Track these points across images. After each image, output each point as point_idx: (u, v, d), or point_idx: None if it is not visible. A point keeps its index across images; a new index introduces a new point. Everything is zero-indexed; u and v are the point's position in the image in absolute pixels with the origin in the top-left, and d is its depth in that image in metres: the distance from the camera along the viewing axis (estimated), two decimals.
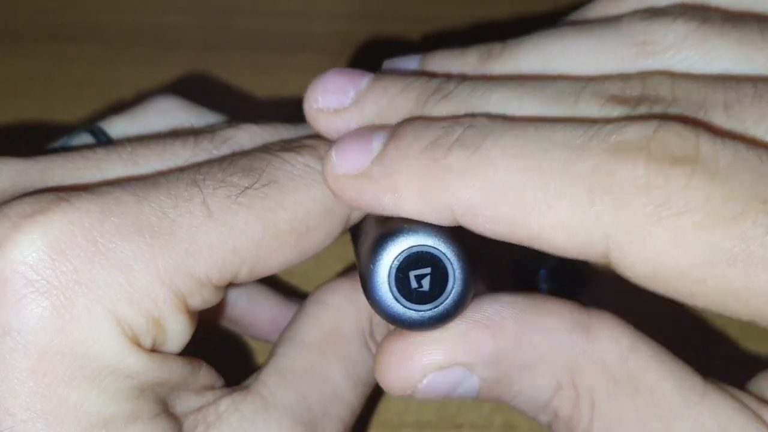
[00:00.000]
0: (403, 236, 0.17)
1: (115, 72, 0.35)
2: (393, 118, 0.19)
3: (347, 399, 0.20)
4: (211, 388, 0.19)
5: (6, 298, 0.16)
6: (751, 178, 0.15)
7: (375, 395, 0.22)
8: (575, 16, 0.22)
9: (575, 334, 0.17)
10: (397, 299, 0.17)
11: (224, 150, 0.20)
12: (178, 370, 0.18)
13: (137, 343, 0.17)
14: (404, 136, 0.18)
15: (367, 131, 0.19)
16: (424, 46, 0.36)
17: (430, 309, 0.17)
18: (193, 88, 0.34)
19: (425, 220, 0.17)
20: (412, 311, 0.17)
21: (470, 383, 0.18)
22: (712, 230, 0.15)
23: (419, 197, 0.17)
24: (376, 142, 0.18)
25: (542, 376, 0.17)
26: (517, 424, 0.25)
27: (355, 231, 0.20)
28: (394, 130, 0.18)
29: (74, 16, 0.38)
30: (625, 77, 0.18)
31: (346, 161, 0.18)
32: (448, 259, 0.17)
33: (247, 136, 0.21)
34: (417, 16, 0.39)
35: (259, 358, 0.26)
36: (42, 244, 0.16)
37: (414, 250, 0.17)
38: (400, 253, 0.17)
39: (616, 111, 0.17)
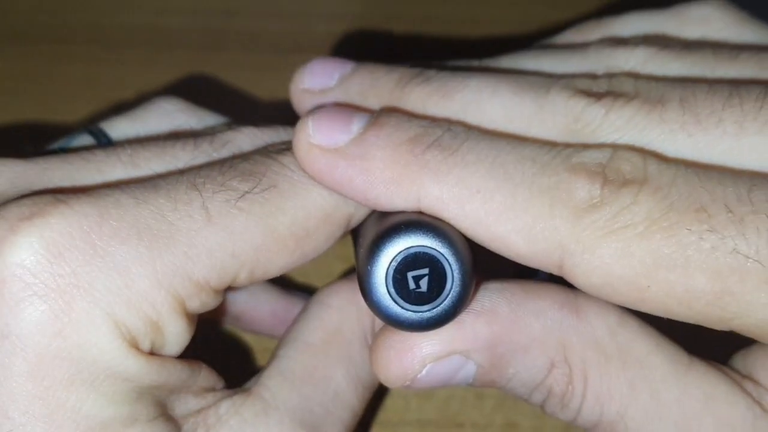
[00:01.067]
0: (401, 237, 0.17)
1: (115, 72, 0.35)
2: (375, 99, 0.20)
3: (349, 401, 0.20)
4: (212, 390, 0.19)
5: (4, 302, 0.16)
6: (687, 191, 0.16)
7: (376, 394, 0.22)
8: (544, 43, 0.24)
9: (565, 312, 0.18)
10: (395, 300, 0.17)
11: (224, 153, 0.20)
12: (176, 372, 0.18)
13: (135, 346, 0.17)
14: (386, 125, 0.18)
15: (346, 110, 0.19)
16: (425, 47, 0.37)
17: (429, 310, 0.17)
18: (193, 89, 0.34)
19: (390, 208, 0.18)
20: (410, 312, 0.17)
21: (467, 370, 0.18)
22: (652, 239, 0.16)
23: (391, 185, 0.18)
24: (356, 125, 0.19)
25: (536, 356, 0.18)
26: (519, 422, 0.25)
27: (355, 232, 0.20)
28: (376, 117, 0.19)
29: (74, 16, 0.38)
30: (593, 76, 0.20)
31: (322, 133, 0.18)
32: (447, 260, 0.17)
33: (247, 139, 0.21)
34: (417, 17, 0.38)
35: (261, 360, 0.26)
36: (39, 246, 0.16)
37: (412, 251, 0.17)
38: (397, 254, 0.17)
39: (582, 103, 0.18)
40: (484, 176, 0.17)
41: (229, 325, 0.26)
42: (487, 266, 0.23)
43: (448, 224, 0.17)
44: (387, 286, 0.17)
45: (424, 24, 0.38)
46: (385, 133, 0.18)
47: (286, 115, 0.23)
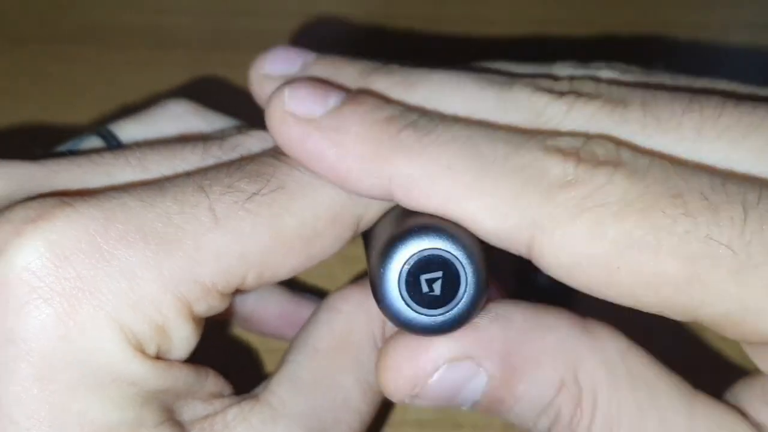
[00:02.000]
0: (414, 239, 0.17)
1: (116, 73, 0.35)
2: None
3: (358, 408, 0.20)
4: (219, 396, 0.19)
5: (9, 305, 0.16)
6: (663, 177, 0.16)
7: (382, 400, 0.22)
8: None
9: (577, 331, 0.18)
10: (407, 304, 0.17)
11: (233, 156, 0.20)
12: (183, 377, 0.17)
13: (141, 350, 0.17)
14: (364, 103, 0.18)
15: (324, 84, 0.19)
16: (425, 46, 0.37)
17: (442, 314, 0.17)
18: (194, 89, 0.34)
19: (356, 188, 0.18)
20: (423, 316, 0.17)
21: (477, 382, 0.18)
22: (625, 220, 0.16)
23: (362, 161, 0.18)
24: (333, 99, 0.18)
25: (547, 372, 0.18)
26: None
27: (367, 235, 0.20)
28: (354, 94, 0.19)
29: (75, 16, 0.38)
30: (555, 77, 0.20)
31: (297, 102, 0.18)
32: (460, 263, 0.17)
33: (257, 142, 0.20)
34: (418, 16, 0.38)
35: (269, 366, 0.26)
36: (45, 250, 0.16)
37: (425, 253, 0.17)
38: (410, 257, 0.17)
39: (544, 99, 0.18)
40: (456, 154, 0.17)
41: (237, 327, 0.26)
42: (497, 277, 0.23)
43: (462, 227, 0.17)
44: (400, 289, 0.17)
45: (425, 24, 0.38)
46: (362, 109, 0.18)
47: None
